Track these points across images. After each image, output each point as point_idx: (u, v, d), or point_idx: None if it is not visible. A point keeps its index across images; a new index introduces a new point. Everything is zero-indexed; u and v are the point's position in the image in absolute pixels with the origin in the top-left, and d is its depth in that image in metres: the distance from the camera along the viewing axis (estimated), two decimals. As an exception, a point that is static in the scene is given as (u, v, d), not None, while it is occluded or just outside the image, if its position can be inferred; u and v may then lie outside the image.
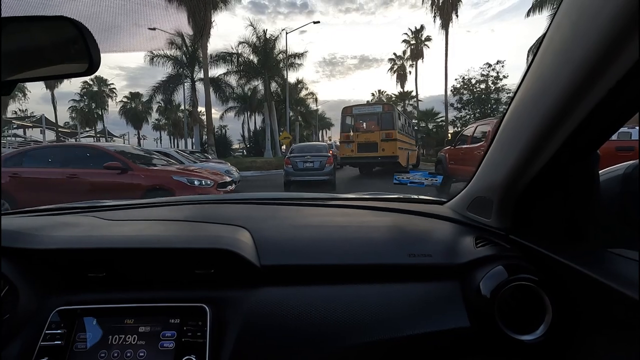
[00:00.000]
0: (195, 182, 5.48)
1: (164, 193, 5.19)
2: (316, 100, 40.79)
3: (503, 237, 0.78)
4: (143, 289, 0.73)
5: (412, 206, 1.08)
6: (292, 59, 26.08)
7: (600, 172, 0.70)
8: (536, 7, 19.84)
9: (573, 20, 0.49)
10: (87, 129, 49.40)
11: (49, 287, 0.73)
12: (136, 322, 0.67)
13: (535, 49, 0.61)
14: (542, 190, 0.69)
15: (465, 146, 8.26)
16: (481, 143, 7.46)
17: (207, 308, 0.67)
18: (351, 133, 12.82)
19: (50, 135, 34.88)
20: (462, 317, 0.68)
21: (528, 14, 20.20)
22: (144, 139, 58.47)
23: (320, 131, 62.35)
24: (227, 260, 0.72)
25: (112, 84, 43.68)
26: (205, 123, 22.86)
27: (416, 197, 1.28)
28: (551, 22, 0.55)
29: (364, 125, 13.02)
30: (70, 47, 0.61)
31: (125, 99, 52.36)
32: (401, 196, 1.29)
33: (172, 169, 6.03)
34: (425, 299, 0.71)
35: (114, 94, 48.10)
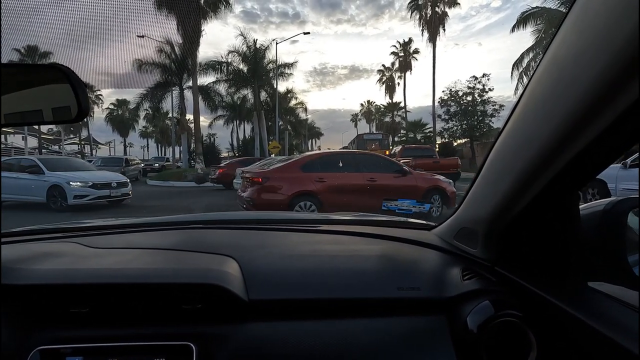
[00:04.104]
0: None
1: (439, 192, 6.69)
2: (306, 109, 41.04)
3: (488, 268, 0.79)
4: (128, 325, 0.71)
5: (401, 232, 1.09)
6: (282, 69, 26.19)
7: (581, 206, 0.72)
8: (520, 22, 20.39)
9: (567, 58, 0.47)
10: (72, 136, 48.46)
11: (29, 323, 0.70)
12: None
13: (523, 87, 0.60)
14: (525, 225, 0.70)
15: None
16: (394, 158, 11.81)
17: (193, 347, 0.66)
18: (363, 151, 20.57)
19: (33, 142, 34.07)
20: (449, 353, 0.68)
21: (513, 30, 20.77)
22: (130, 146, 57.66)
23: (310, 140, 62.49)
24: (215, 294, 0.71)
25: (99, 90, 42.98)
26: (194, 131, 22.69)
27: (404, 220, 1.29)
28: (543, 55, 0.54)
29: (371, 145, 21.29)
30: (59, 94, 0.62)
31: (112, 106, 51.68)
32: (390, 219, 1.30)
33: (428, 173, 7.45)
34: (413, 334, 0.71)
35: (100, 101, 47.29)
